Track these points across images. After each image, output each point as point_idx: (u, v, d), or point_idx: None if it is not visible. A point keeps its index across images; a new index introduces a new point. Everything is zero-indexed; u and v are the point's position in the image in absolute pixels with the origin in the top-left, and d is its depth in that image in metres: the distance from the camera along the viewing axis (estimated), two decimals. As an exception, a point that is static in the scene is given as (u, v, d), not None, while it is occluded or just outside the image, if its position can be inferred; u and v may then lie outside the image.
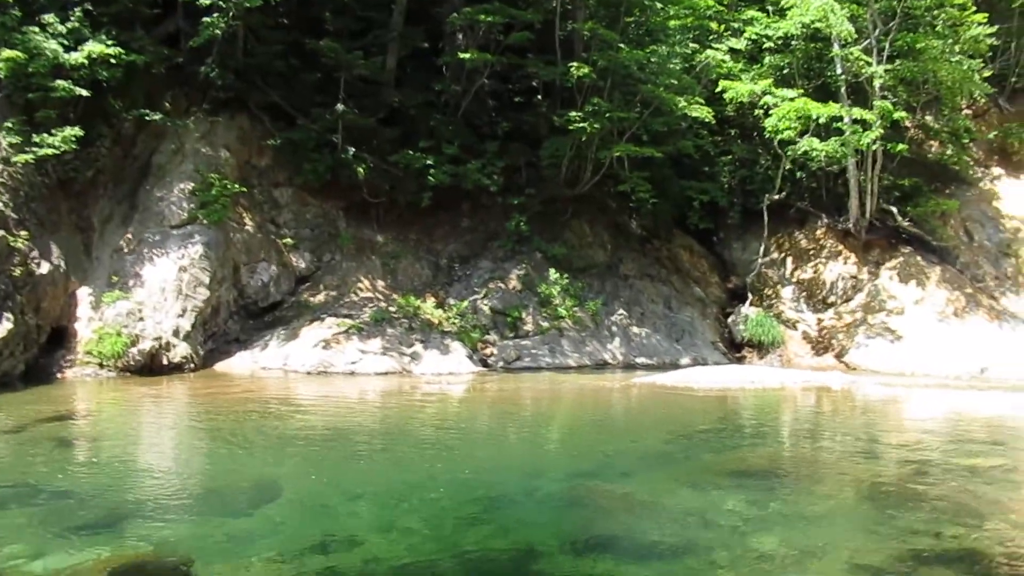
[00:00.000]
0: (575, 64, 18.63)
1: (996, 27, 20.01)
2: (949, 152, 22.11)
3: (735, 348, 20.29)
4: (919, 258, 20.90)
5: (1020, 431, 12.58)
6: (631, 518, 6.92)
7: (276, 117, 19.02)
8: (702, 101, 19.83)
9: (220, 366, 16.02)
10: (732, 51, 21.43)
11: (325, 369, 15.75)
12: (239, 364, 16.09)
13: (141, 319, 15.14)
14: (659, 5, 20.30)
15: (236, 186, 17.39)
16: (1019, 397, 15.10)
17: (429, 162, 18.51)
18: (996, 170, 22.98)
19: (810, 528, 6.75)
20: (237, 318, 17.22)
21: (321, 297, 17.83)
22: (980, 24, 19.43)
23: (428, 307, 17.84)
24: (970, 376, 17.51)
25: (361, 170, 18.45)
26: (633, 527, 6.66)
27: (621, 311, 19.52)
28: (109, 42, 15.46)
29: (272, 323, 17.25)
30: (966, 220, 21.76)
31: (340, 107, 18.36)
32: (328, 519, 6.84)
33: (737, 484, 8.11)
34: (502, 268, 19.48)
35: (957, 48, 19.44)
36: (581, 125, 18.48)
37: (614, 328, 19.07)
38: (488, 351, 17.58)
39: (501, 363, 17.32)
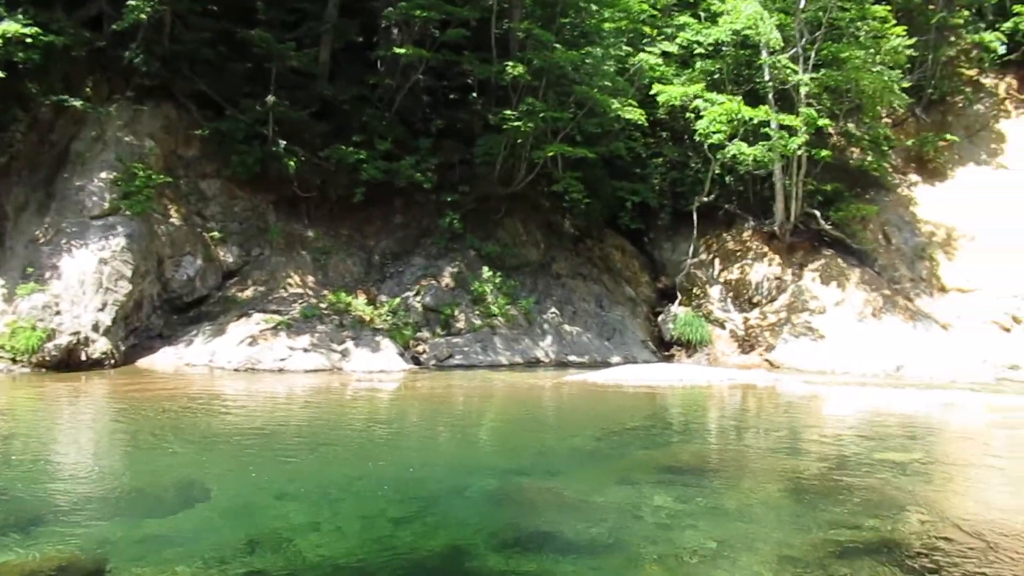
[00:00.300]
0: (510, 63, 18.66)
1: (914, 39, 20.85)
2: (869, 159, 22.92)
3: (664, 347, 20.65)
4: (840, 260, 21.62)
5: (933, 426, 13.13)
6: (561, 515, 6.95)
7: (204, 107, 18.55)
8: (635, 103, 20.11)
9: (142, 362, 15.53)
10: (664, 55, 21.79)
11: (253, 366, 15.41)
12: (163, 360, 15.62)
13: (58, 313, 14.57)
14: (594, 7, 20.49)
15: (161, 176, 16.89)
16: (932, 394, 15.75)
17: (361, 157, 18.29)
18: (913, 177, 23.95)
19: (736, 522, 6.90)
20: (161, 313, 16.73)
21: (249, 292, 17.45)
22: (900, 36, 20.20)
23: (359, 304, 17.63)
24: (887, 374, 18.22)
25: (292, 163, 18.13)
26: (563, 524, 6.69)
27: (553, 309, 19.66)
28: (26, 21, 14.81)
29: (197, 318, 16.81)
30: (884, 224, 22.60)
31: (271, 99, 17.99)
32: (255, 519, 6.67)
33: (665, 480, 8.24)
34: (435, 265, 19.38)
35: (878, 59, 20.16)
36: (515, 124, 18.52)
37: (546, 326, 19.19)
38: (420, 349, 17.47)
39: (433, 361, 17.23)
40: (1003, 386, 17.17)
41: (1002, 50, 24.27)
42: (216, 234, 17.94)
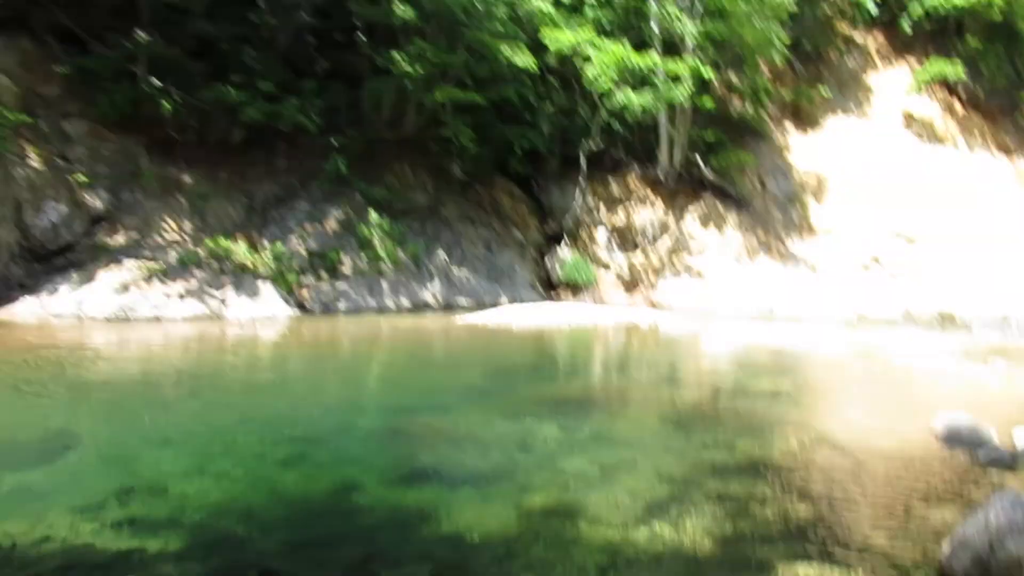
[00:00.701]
0: (399, 5, 18.13)
1: (794, -7, 21.51)
2: (749, 109, 23.70)
3: (552, 289, 21.00)
4: (719, 205, 22.45)
5: (801, 359, 13.94)
6: (449, 449, 7.01)
7: (66, 41, 17.23)
8: (525, 49, 19.97)
9: (1, 314, 14.56)
10: (555, 1, 21.67)
11: (127, 315, 14.72)
12: (24, 311, 14.68)
13: (-98, 262, 13.44)
14: (485, -49, 20.06)
15: (18, 115, 15.67)
16: (801, 330, 16.72)
17: (242, 98, 17.51)
18: (788, 126, 24.97)
19: (619, 448, 7.15)
20: (21, 262, 15.67)
21: (121, 239, 16.56)
22: (781, -9, 20.78)
23: (240, 249, 17.05)
24: (761, 312, 19.19)
25: (166, 104, 17.16)
26: (451, 457, 6.76)
27: (442, 253, 19.59)
28: None
29: (64, 267, 15.85)
30: (761, 171, 23.55)
31: (142, 35, 16.88)
32: (133, 467, 6.42)
33: (552, 413, 8.42)
34: (320, 210, 18.91)
35: (761, 12, 20.68)
36: (405, 68, 18.09)
37: (435, 270, 19.12)
38: (305, 294, 17.10)
39: (319, 306, 16.92)
40: (863, 322, 18.43)
41: (874, 10, 25.39)
42: (82, 178, 16.85)
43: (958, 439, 7.11)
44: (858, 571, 4.46)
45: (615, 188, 23.04)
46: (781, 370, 12.22)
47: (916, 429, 7.62)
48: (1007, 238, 21.36)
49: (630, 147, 23.14)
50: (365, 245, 18.45)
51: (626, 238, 22.26)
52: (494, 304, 18.42)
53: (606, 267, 21.57)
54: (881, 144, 23.57)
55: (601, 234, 22.34)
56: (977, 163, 23.70)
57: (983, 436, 7.06)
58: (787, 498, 5.71)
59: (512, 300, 19.05)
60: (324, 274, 17.66)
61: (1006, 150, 24.23)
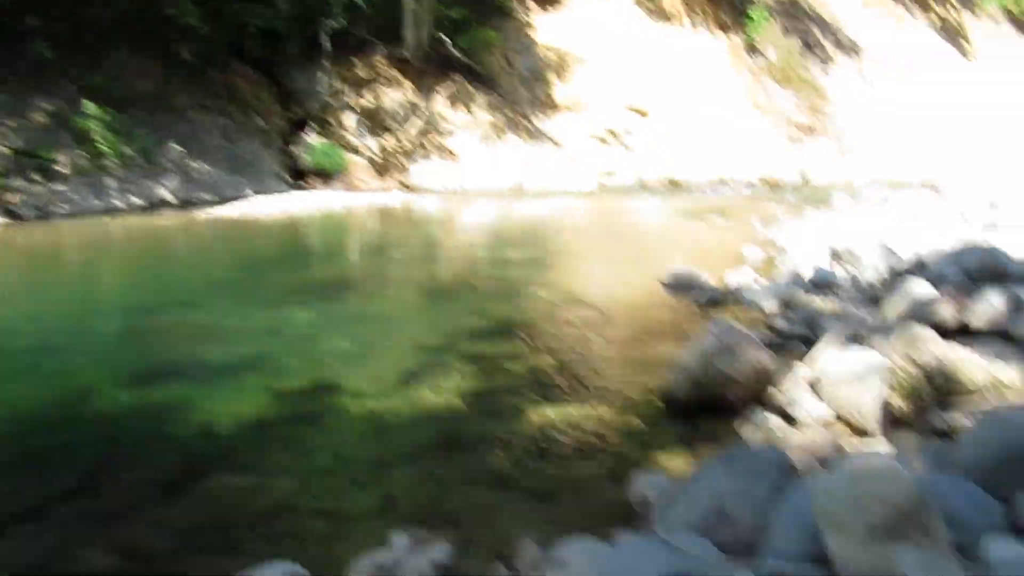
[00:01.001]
0: None
1: None
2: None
3: (301, 177, 20.15)
4: (468, 85, 22.47)
5: (546, 229, 14.71)
6: (196, 344, 6.63)
7: None
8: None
9: None
10: None
11: None
12: None
13: None
14: None
15: None
16: (548, 202, 17.56)
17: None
18: (532, 5, 25.21)
19: (377, 326, 7.16)
20: None
21: None
22: None
23: (-77, 150, 14.57)
24: (510, 188, 19.85)
25: None
26: (198, 352, 6.40)
27: (176, 146, 17.94)
28: None
29: None
30: (507, 51, 23.74)
31: None
32: None
33: (306, 299, 8.20)
34: (23, 102, 16.49)
35: None
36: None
37: (169, 165, 17.53)
38: (14, 199, 15.03)
39: (32, 211, 14.96)
40: (602, 191, 19.72)
41: None
42: None
43: (682, 286, 7.89)
44: (596, 405, 4.86)
45: (361, 69, 22.23)
46: (530, 240, 12.82)
47: (648, 281, 8.33)
48: (725, 111, 23.48)
49: (376, 26, 22.25)
50: (83, 140, 16.42)
51: (376, 121, 21.71)
52: (239, 197, 17.35)
53: (357, 152, 21.00)
54: (617, 21, 24.58)
55: (349, 118, 21.59)
56: (700, 41, 25.51)
57: (701, 282, 7.88)
58: (536, 352, 6.05)
59: (258, 191, 18.05)
60: (35, 175, 15.54)
61: (723, 28, 26.24)
